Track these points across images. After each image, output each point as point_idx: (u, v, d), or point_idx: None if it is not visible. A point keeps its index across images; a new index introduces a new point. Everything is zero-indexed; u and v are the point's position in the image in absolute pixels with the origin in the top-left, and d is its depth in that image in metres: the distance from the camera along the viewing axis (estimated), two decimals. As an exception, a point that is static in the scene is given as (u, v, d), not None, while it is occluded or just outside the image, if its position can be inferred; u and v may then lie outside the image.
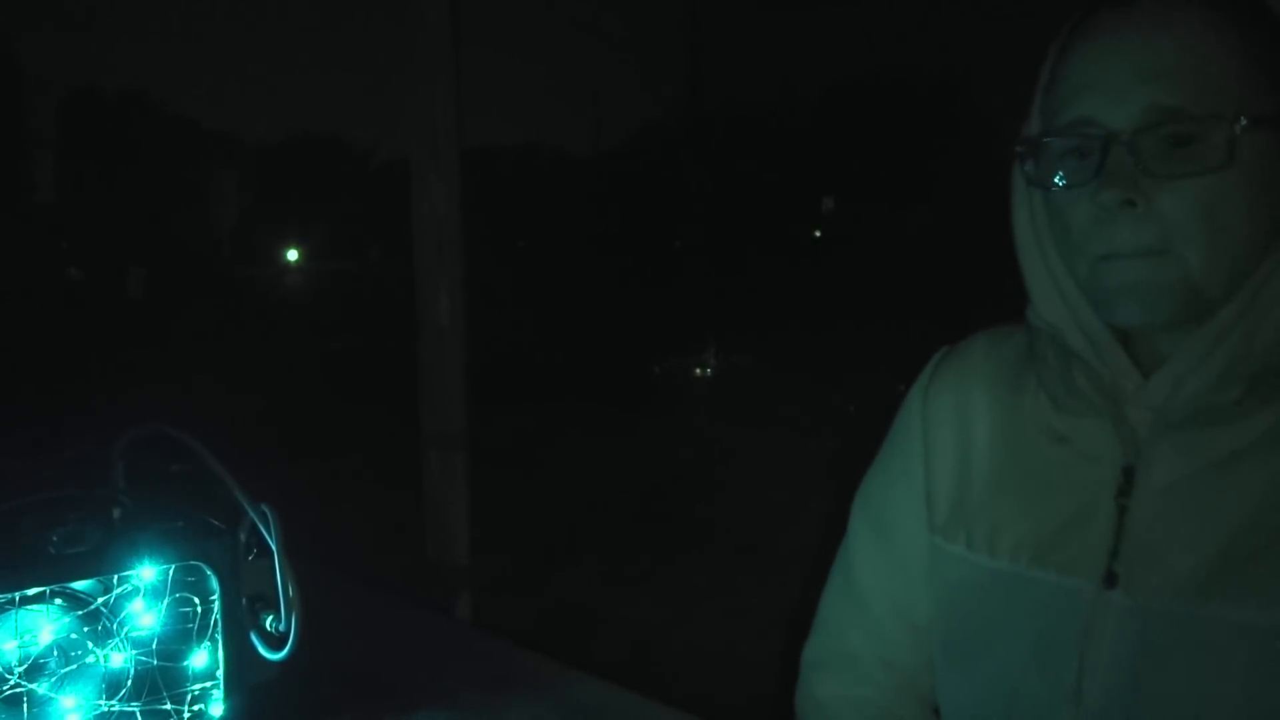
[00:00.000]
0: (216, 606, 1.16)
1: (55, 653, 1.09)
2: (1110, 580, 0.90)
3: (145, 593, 1.13)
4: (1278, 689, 0.83)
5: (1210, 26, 0.85)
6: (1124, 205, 0.86)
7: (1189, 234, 0.85)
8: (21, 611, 1.07)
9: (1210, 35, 0.85)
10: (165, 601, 1.13)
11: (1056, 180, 0.91)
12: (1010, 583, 0.96)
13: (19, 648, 1.07)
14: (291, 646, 1.13)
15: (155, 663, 1.13)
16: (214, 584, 1.15)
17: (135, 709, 1.12)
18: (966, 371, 1.07)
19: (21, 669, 1.07)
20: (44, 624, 1.08)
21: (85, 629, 1.10)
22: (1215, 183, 0.84)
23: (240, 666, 1.17)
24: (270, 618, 1.16)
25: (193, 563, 1.14)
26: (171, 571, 1.13)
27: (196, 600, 1.15)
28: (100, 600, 1.10)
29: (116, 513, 1.17)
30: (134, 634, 1.12)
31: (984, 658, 0.98)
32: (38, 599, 1.07)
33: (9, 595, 1.05)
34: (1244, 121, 0.83)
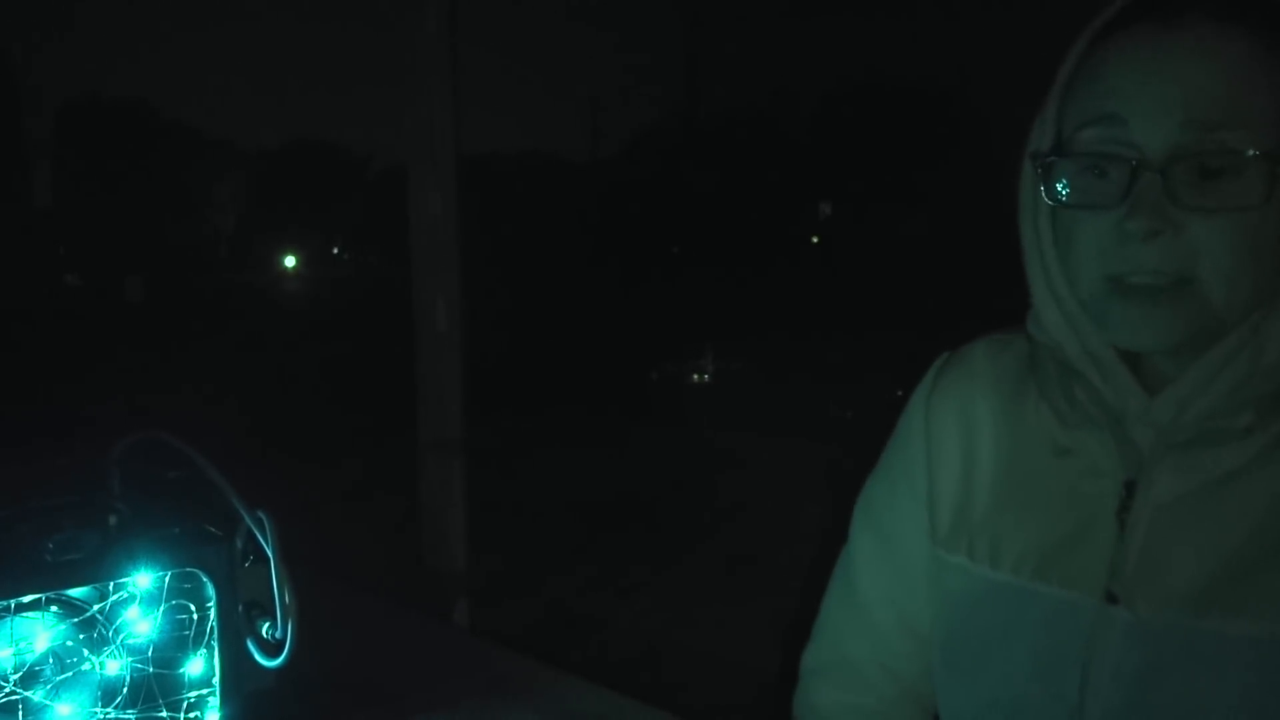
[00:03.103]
0: (213, 613, 1.15)
1: (51, 660, 1.09)
2: (1112, 595, 0.89)
3: (141, 600, 1.12)
4: (1278, 702, 0.82)
5: (1255, 58, 0.82)
6: (1150, 236, 0.83)
7: (1216, 266, 0.83)
8: (17, 619, 1.06)
9: (1254, 67, 0.82)
10: (161, 608, 1.13)
11: (1068, 195, 0.88)
12: (1012, 595, 0.95)
13: (14, 655, 1.06)
14: (288, 653, 1.12)
15: (151, 670, 1.13)
16: (210, 591, 1.15)
17: (131, 716, 1.12)
18: (969, 379, 1.05)
19: (17, 676, 1.06)
20: (40, 631, 1.08)
21: (81, 636, 1.10)
22: (1249, 219, 0.82)
23: (236, 673, 1.16)
24: (266, 624, 1.15)
25: (189, 569, 1.14)
26: (167, 578, 1.13)
27: (193, 607, 1.15)
28: (96, 607, 1.10)
29: (113, 519, 1.16)
30: (130, 641, 1.12)
31: (985, 669, 0.98)
32: (33, 606, 1.07)
33: (4, 603, 1.05)
34: None
